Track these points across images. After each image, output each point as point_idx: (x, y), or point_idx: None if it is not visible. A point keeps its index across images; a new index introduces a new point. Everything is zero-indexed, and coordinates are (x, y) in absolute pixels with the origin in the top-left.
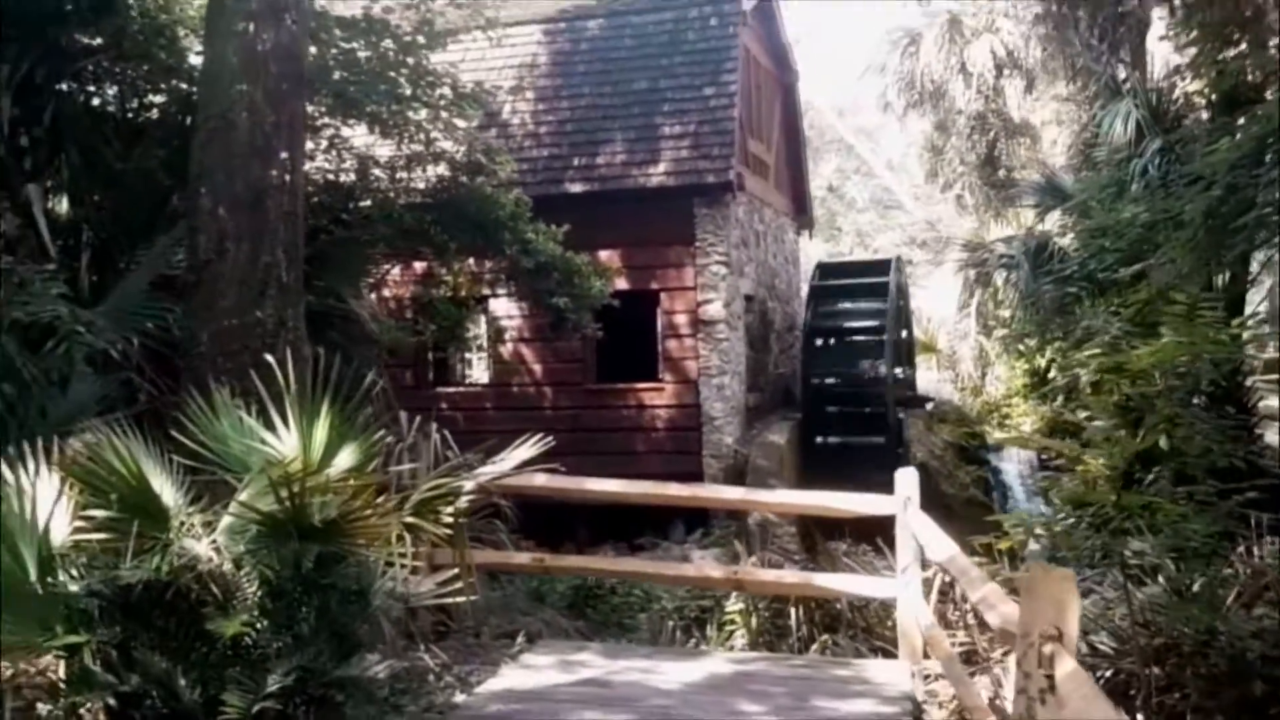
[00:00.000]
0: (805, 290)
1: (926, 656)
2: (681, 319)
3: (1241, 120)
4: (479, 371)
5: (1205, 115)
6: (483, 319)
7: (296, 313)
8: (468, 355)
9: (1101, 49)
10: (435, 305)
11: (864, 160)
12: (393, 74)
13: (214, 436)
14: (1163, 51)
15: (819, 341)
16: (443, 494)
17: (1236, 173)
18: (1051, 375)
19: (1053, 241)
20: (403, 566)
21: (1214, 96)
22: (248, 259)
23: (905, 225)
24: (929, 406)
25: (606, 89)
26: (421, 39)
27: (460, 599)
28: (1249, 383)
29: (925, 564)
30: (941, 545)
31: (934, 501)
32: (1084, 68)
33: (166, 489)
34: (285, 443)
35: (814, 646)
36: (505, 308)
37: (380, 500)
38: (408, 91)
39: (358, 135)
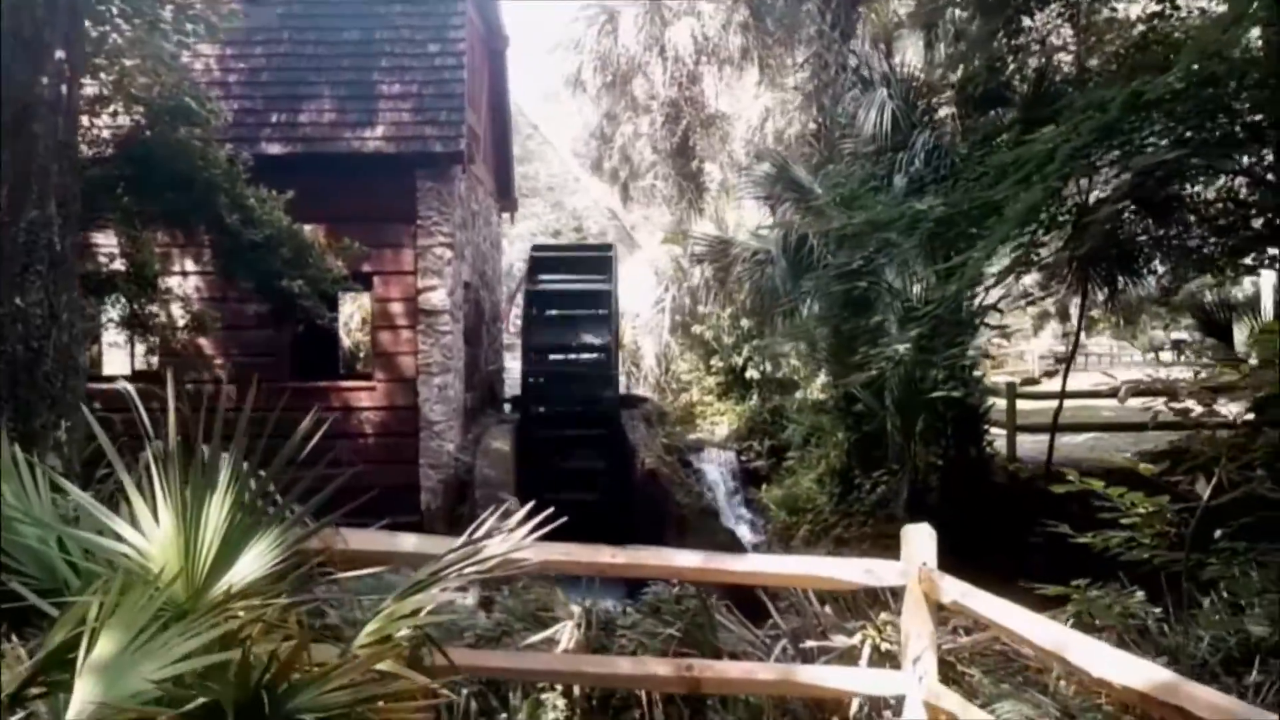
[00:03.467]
0: (513, 278)
1: None
2: (398, 308)
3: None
4: (123, 363)
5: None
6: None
7: (72, 299)
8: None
9: (834, 36)
10: (115, 283)
11: (545, 142)
12: None
13: None
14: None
15: (537, 336)
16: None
17: (1073, 164)
18: (749, 374)
19: (812, 237)
20: None
21: (975, 92)
22: (4, 213)
23: (540, 214)
24: (645, 407)
25: (311, 36)
26: None
27: None
28: None
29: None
30: (1101, 655)
31: (668, 516)
32: (815, 54)
33: None
34: (151, 535)
35: None
36: (178, 286)
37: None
38: (113, 8)
39: None
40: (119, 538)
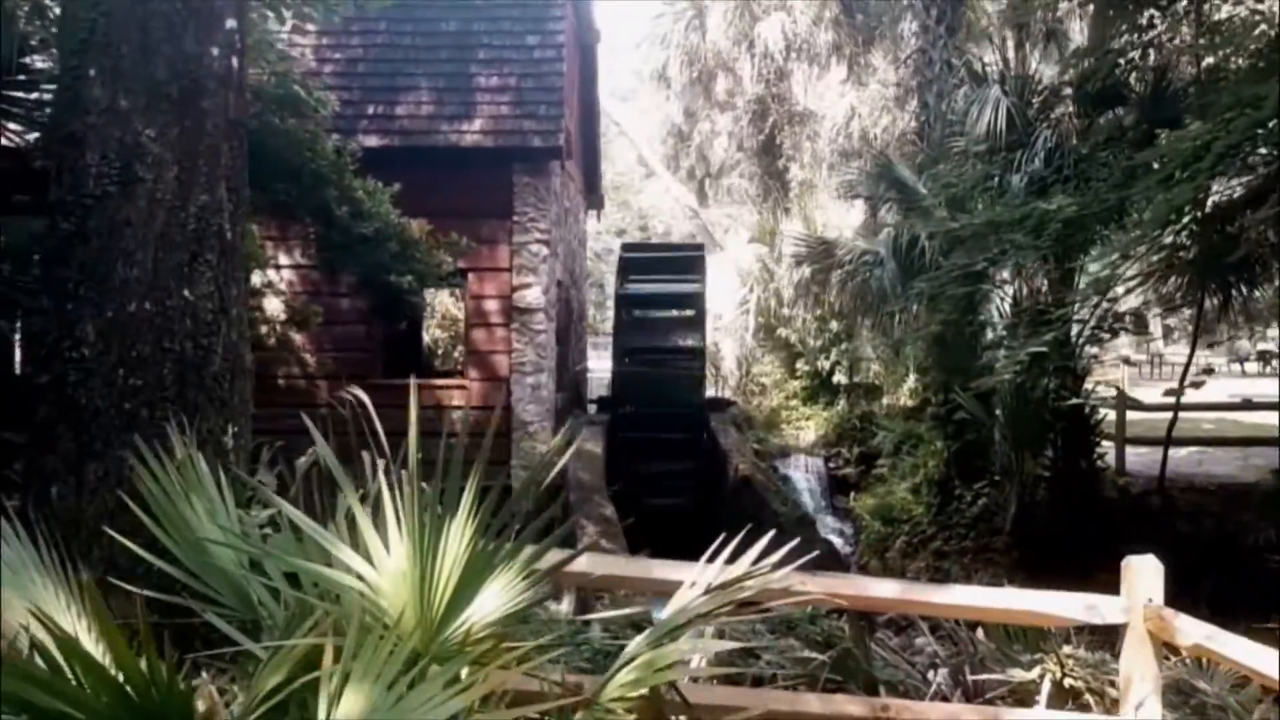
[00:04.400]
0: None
1: None
2: (492, 305)
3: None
4: None
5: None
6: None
7: (242, 293)
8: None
9: (940, 31)
10: None
11: (621, 133)
12: None
13: (175, 532)
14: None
15: (628, 337)
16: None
17: (1225, 163)
18: (836, 378)
19: (923, 238)
20: None
21: (1092, 89)
22: (174, 196)
23: (607, 212)
24: (733, 411)
25: (407, 27)
26: None
27: None
28: None
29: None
30: None
31: (764, 524)
32: (920, 50)
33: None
34: (384, 565)
35: None
36: (276, 280)
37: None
38: None
39: None
40: (328, 562)
